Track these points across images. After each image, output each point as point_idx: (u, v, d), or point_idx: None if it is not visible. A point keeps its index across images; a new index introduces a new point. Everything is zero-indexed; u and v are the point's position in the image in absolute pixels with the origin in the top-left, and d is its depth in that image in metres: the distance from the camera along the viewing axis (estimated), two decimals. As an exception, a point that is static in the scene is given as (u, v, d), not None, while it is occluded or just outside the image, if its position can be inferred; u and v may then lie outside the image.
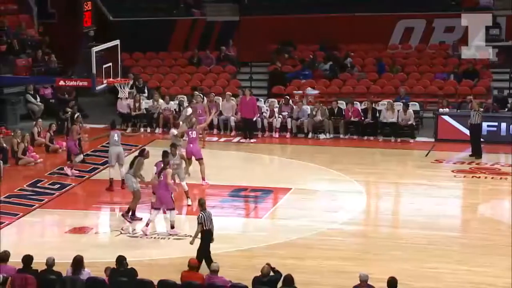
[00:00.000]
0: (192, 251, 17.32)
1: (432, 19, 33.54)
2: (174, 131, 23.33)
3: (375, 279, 14.83)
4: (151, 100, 30.21)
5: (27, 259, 15.04)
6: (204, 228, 16.97)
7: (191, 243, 17.07)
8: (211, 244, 16.96)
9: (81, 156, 24.73)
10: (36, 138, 26.93)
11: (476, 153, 25.74)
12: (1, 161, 24.11)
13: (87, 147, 26.86)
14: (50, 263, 15.14)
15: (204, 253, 16.78)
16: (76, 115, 26.34)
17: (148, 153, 20.51)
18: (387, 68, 32.24)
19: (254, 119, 28.68)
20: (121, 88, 25.63)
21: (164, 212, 19.76)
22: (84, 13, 29.40)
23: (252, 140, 28.15)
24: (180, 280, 14.93)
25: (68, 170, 24.31)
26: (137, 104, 29.71)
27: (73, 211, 21.52)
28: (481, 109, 26.53)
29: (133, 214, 20.18)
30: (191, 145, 22.93)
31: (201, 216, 17.02)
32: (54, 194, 22.69)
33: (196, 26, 34.81)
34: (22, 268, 14.99)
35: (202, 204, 17.28)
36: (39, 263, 15.21)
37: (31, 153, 25.57)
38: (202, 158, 22.95)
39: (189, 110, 26.09)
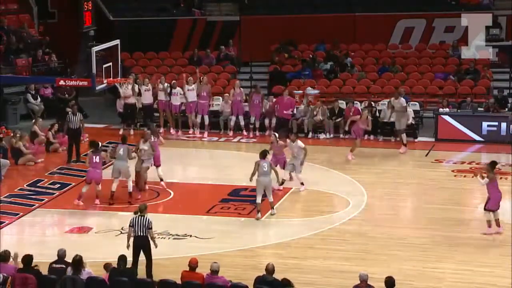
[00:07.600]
0: (193, 251, 17.33)
1: (432, 19, 33.54)
2: None
3: (375, 279, 14.83)
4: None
5: (27, 259, 15.05)
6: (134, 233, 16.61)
7: (127, 247, 16.63)
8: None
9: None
10: (38, 134, 26.75)
11: None
12: (7, 161, 24.13)
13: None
14: (60, 254, 15.26)
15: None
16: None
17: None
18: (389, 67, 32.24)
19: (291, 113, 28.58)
20: (121, 87, 25.61)
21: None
22: (84, 13, 29.39)
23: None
24: (180, 280, 14.93)
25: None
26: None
27: (73, 211, 21.50)
28: None
29: None
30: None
31: (132, 220, 16.73)
32: (54, 194, 22.70)
33: (196, 26, 34.81)
34: (22, 268, 15.00)
35: (141, 210, 16.83)
36: (39, 263, 15.21)
37: (33, 150, 25.49)
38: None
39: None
